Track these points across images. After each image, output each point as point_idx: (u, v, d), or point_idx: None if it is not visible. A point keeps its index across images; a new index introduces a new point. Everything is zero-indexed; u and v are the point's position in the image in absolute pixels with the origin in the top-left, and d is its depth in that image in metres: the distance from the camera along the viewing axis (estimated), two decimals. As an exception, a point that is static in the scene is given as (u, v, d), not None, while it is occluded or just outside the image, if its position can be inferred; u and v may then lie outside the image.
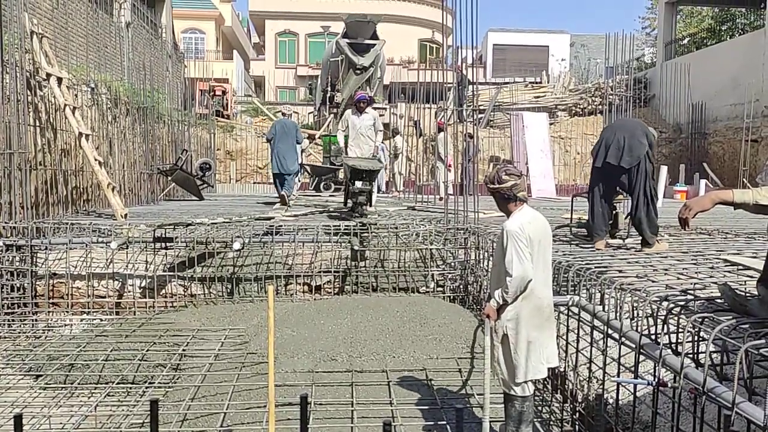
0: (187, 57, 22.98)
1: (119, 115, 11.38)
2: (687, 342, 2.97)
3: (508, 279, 3.34)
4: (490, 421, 3.38)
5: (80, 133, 8.61)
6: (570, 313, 4.28)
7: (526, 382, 3.44)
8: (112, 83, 11.42)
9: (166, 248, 7.24)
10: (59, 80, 8.51)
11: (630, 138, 5.83)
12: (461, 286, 7.25)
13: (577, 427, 4.01)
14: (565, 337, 4.42)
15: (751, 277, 4.31)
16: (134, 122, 12.09)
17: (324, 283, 7.36)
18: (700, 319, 3.10)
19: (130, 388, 4.93)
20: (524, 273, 3.32)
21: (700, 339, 3.08)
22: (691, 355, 3.01)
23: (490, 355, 3.44)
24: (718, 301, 3.69)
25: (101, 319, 6.80)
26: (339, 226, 7.61)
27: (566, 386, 4.37)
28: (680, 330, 3.17)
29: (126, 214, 8.64)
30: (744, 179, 15.45)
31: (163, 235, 7.25)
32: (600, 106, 20.99)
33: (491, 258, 6.05)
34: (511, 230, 3.38)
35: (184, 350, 5.46)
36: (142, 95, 12.61)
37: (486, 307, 3.53)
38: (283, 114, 13.98)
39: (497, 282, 3.48)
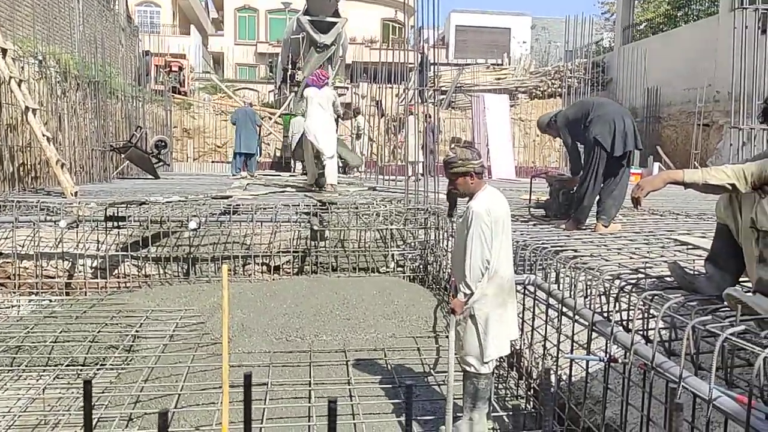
0: (141, 31, 22.19)
1: (69, 90, 10.96)
2: (637, 319, 3.03)
3: (466, 264, 3.33)
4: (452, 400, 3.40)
5: (27, 108, 8.25)
6: (526, 292, 4.33)
7: (491, 361, 3.46)
8: (62, 56, 10.97)
9: (118, 227, 7.04)
10: (4, 52, 8.13)
11: (633, 121, 6.20)
12: (421, 266, 7.27)
13: (531, 403, 4.09)
14: (521, 315, 4.48)
15: (700, 256, 4.44)
16: (85, 97, 11.67)
17: (283, 264, 7.28)
18: (650, 297, 3.16)
19: (81, 370, 4.78)
20: (482, 256, 3.32)
21: (650, 316, 3.15)
22: (641, 332, 3.08)
23: (453, 348, 3.44)
24: (668, 279, 3.78)
25: (50, 300, 6.57)
26: (298, 205, 7.52)
27: (522, 363, 4.44)
28: (631, 307, 3.24)
29: (76, 192, 8.36)
30: (695, 162, 15.90)
31: (116, 214, 7.05)
32: (559, 89, 21.24)
33: (452, 237, 6.09)
34: (478, 212, 3.34)
35: (137, 331, 5.33)
36: (93, 69, 12.16)
37: (453, 302, 3.47)
38: (245, 103, 17.24)
39: (459, 266, 3.45)
